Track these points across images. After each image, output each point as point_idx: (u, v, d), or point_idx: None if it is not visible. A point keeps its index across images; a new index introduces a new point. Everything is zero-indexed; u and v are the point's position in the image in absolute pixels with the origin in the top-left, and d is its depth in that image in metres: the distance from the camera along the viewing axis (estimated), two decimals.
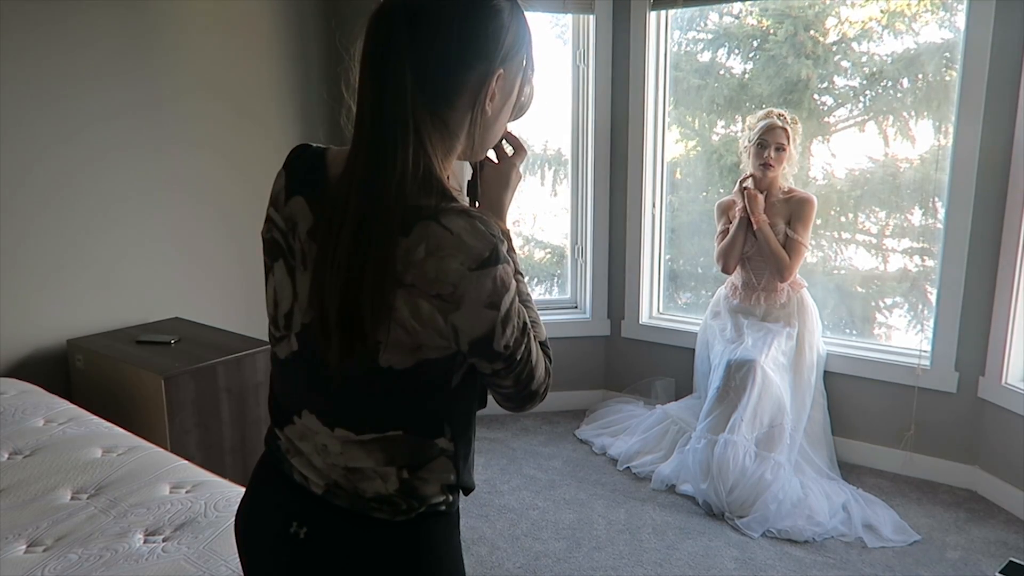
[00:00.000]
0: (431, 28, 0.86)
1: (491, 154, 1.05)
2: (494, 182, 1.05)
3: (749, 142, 3.15)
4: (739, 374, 2.92)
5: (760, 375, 2.90)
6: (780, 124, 3.07)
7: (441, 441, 0.94)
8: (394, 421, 0.92)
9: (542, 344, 0.98)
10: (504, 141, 1.06)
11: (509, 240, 0.98)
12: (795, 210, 3.11)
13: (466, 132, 0.92)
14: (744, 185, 3.15)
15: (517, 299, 0.89)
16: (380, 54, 0.85)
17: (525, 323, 0.91)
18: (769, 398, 2.92)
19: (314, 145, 0.98)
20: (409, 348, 0.86)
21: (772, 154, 3.08)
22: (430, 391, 0.92)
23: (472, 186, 1.06)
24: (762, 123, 3.10)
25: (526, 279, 1.06)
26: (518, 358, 0.91)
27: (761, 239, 3.10)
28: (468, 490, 1.01)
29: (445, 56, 0.87)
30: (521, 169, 1.08)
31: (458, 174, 0.97)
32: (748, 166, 3.18)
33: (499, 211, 1.05)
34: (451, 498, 0.98)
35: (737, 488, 2.78)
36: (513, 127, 1.04)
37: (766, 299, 3.16)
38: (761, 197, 3.11)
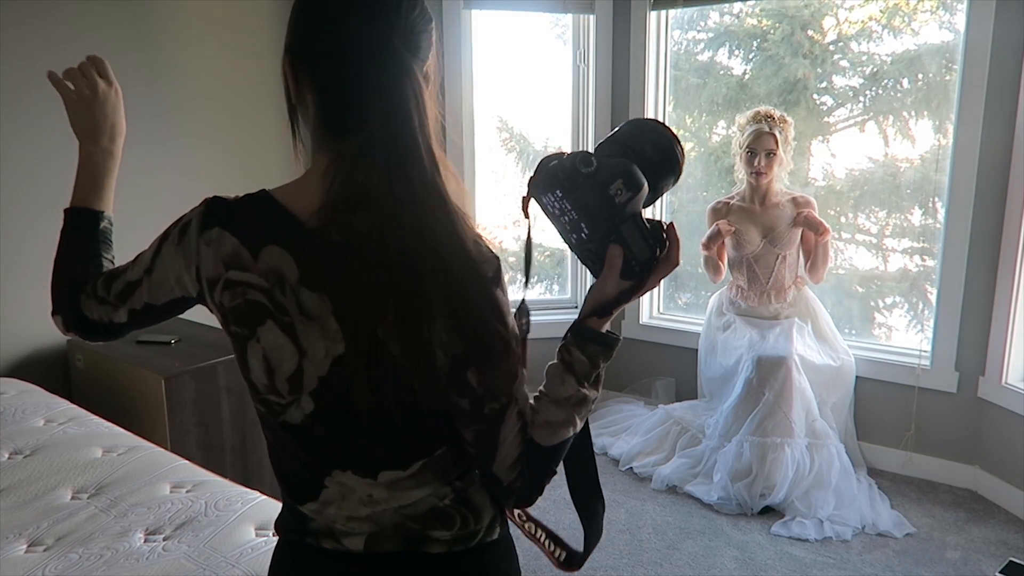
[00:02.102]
0: (412, 45, 0.81)
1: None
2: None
3: (740, 147, 3.09)
4: (772, 371, 2.90)
5: (795, 371, 2.90)
6: (768, 130, 3.00)
7: None
8: (437, 439, 0.87)
9: (536, 447, 0.86)
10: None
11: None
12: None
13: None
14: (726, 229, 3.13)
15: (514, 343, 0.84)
16: (378, 34, 0.79)
17: (512, 384, 0.84)
18: (805, 393, 2.92)
19: (228, 197, 0.89)
20: (433, 371, 0.83)
21: (763, 161, 3.03)
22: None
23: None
24: (750, 129, 3.03)
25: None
26: (485, 412, 0.83)
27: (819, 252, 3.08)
28: None
29: (423, 25, 0.82)
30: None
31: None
32: (741, 169, 3.15)
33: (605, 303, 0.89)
34: (498, 515, 0.95)
35: (793, 487, 2.78)
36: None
37: (775, 298, 3.15)
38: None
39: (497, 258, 0.82)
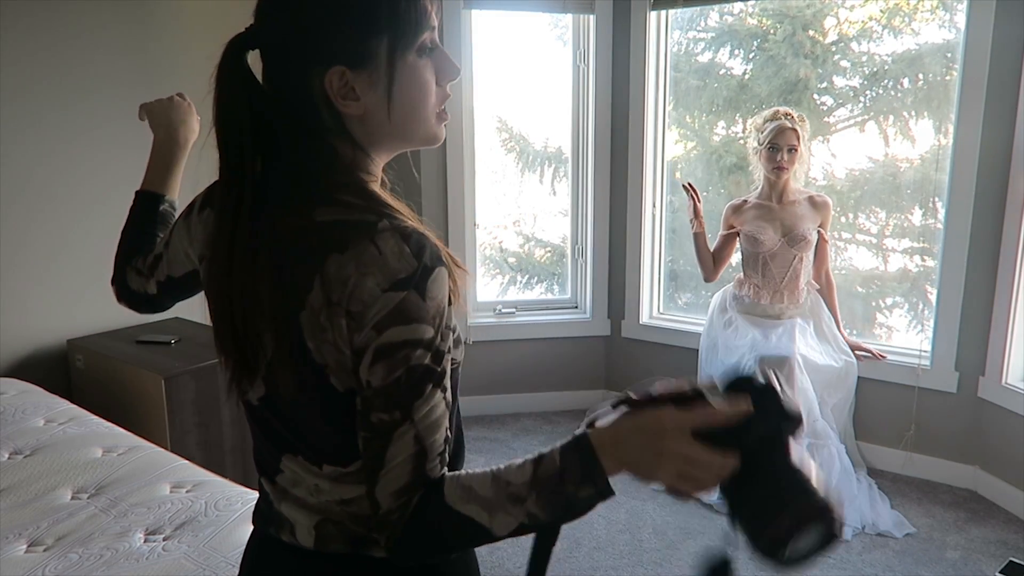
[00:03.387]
0: (267, 48, 0.83)
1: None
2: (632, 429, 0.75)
3: (760, 144, 3.06)
4: (776, 371, 2.90)
5: (797, 371, 2.89)
6: (791, 125, 3.00)
7: None
8: None
9: (438, 497, 0.75)
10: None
11: None
12: (825, 216, 3.11)
13: (350, 138, 0.84)
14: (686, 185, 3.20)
15: (421, 357, 0.75)
16: (228, 94, 0.82)
17: (413, 401, 0.75)
18: (807, 393, 2.92)
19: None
20: (350, 369, 0.78)
21: (785, 156, 3.02)
22: None
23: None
24: (772, 125, 3.02)
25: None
26: (372, 420, 0.76)
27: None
28: None
29: (279, 75, 0.83)
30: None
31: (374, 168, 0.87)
32: (758, 169, 3.14)
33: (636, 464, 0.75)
34: None
35: None
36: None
37: (788, 298, 3.15)
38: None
39: (417, 261, 0.74)
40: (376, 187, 0.85)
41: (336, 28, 0.79)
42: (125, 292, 1.12)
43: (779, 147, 3.02)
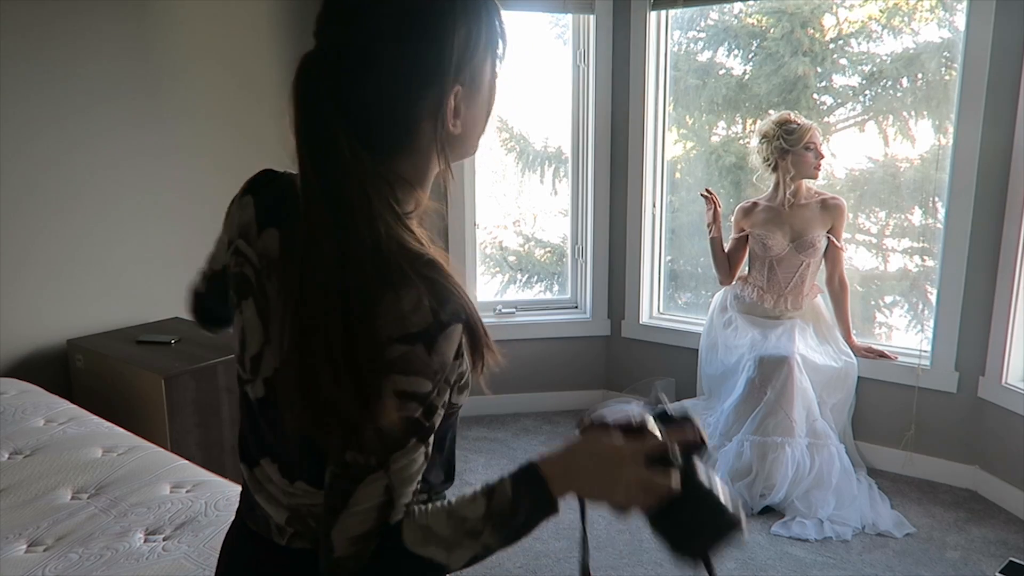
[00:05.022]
0: (362, 67, 0.75)
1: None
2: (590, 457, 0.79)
3: (791, 147, 3.01)
4: (774, 371, 2.90)
5: (796, 371, 2.90)
6: (815, 125, 3.04)
7: None
8: None
9: (397, 544, 0.75)
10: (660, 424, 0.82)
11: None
12: (836, 218, 3.09)
13: (435, 158, 0.82)
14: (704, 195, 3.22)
15: (413, 410, 0.73)
16: (308, 115, 0.75)
17: (393, 451, 0.73)
18: (806, 392, 2.93)
19: (279, 171, 0.89)
20: None
21: (821, 156, 3.04)
22: None
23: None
24: (799, 127, 2.99)
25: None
26: (346, 458, 0.73)
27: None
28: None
29: (385, 96, 0.76)
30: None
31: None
32: (778, 170, 3.08)
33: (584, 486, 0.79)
34: None
35: (793, 487, 2.78)
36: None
37: (792, 303, 3.14)
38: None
39: (432, 317, 0.72)
40: (420, 213, 0.84)
41: (459, 46, 0.76)
42: (193, 301, 1.06)
43: (814, 147, 3.03)
